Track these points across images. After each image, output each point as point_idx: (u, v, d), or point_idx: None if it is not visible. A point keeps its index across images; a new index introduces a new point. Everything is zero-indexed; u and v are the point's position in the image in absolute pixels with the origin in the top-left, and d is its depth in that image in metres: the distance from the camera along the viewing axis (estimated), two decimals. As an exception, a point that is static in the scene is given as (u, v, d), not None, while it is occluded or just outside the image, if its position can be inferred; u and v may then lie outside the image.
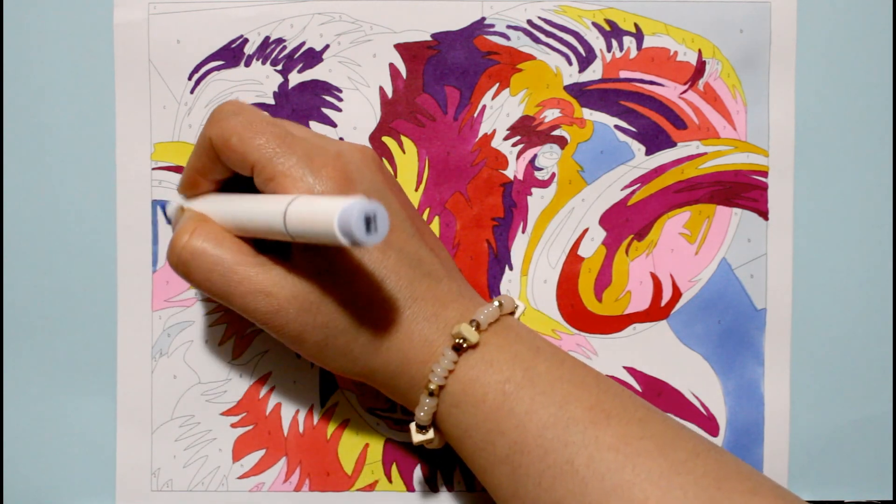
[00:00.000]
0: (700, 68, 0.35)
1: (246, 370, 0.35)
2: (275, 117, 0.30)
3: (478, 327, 0.28)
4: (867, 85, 0.35)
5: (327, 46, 0.34)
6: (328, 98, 0.35)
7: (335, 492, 0.35)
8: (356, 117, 0.35)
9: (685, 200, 0.35)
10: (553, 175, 0.35)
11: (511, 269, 0.35)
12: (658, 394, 0.35)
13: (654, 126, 0.35)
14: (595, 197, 0.35)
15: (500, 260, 0.35)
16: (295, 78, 0.35)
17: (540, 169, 0.35)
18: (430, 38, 0.35)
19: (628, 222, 0.35)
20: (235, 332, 0.35)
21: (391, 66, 0.35)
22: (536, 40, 0.35)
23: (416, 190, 0.35)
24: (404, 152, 0.35)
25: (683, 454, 0.26)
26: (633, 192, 0.35)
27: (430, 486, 0.35)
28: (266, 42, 0.34)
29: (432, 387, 0.28)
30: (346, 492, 0.35)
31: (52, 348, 0.35)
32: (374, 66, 0.35)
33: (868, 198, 0.35)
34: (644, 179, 0.35)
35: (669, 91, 0.35)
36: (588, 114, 0.35)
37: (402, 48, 0.35)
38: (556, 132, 0.35)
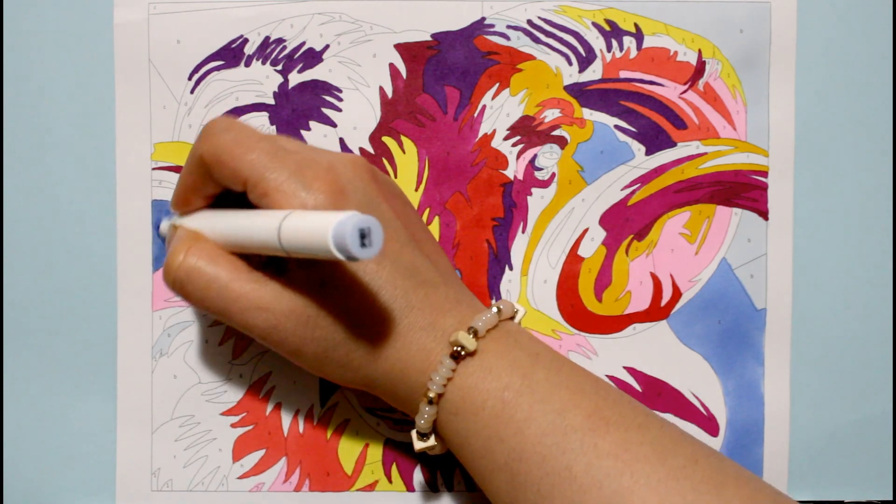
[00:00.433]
0: (700, 68, 0.35)
1: (246, 370, 0.35)
2: (268, 129, 0.30)
3: (476, 335, 0.28)
4: (867, 85, 0.35)
5: (327, 46, 0.34)
6: (328, 98, 0.35)
7: (335, 492, 0.35)
8: (356, 117, 0.35)
9: (685, 200, 0.35)
10: (553, 175, 0.35)
11: (511, 269, 0.35)
12: (658, 394, 0.35)
13: (654, 126, 0.35)
14: (595, 197, 0.35)
15: (500, 260, 0.35)
16: (295, 78, 0.35)
17: (540, 169, 0.35)
18: (430, 38, 0.35)
19: (628, 222, 0.35)
20: (235, 332, 0.35)
21: (391, 66, 0.35)
22: (536, 40, 0.35)
23: (416, 190, 0.35)
24: (404, 152, 0.35)
25: (682, 460, 0.26)
26: (633, 192, 0.35)
27: (431, 487, 0.35)
28: (266, 42, 0.34)
29: (431, 395, 0.28)
30: (346, 492, 0.35)
31: (52, 348, 0.35)
32: (374, 66, 0.35)
33: (868, 198, 0.35)
34: (644, 179, 0.35)
35: (669, 91, 0.35)
36: (588, 114, 0.35)
37: (402, 48, 0.35)
38: (556, 132, 0.35)
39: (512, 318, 0.30)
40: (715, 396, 0.35)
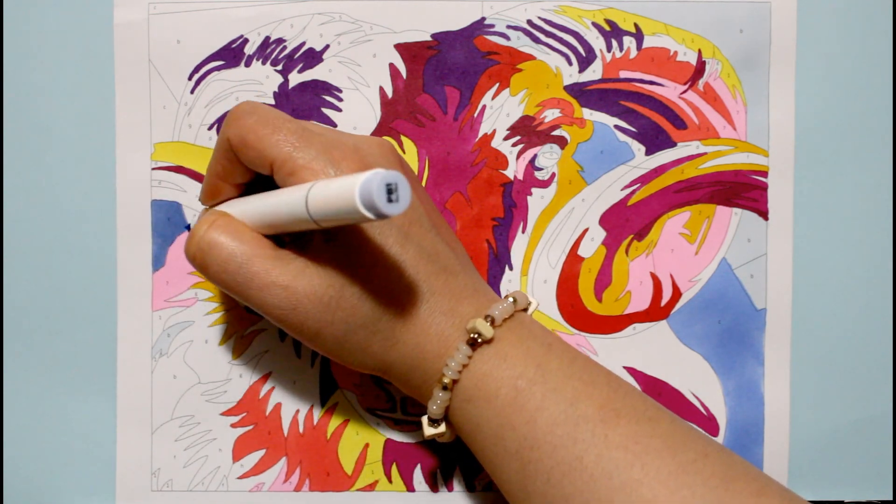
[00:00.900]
0: (700, 68, 0.35)
1: (246, 370, 0.35)
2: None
3: (492, 322, 0.28)
4: (867, 85, 0.35)
5: (327, 46, 0.34)
6: (328, 98, 0.35)
7: (335, 492, 0.35)
8: (356, 117, 0.35)
9: (685, 200, 0.35)
10: (553, 175, 0.35)
11: (511, 269, 0.35)
12: (658, 394, 0.35)
13: (654, 126, 0.35)
14: (595, 197, 0.35)
15: (500, 260, 0.35)
16: (295, 78, 0.35)
17: (540, 169, 0.35)
18: (430, 38, 0.35)
19: (628, 222, 0.35)
20: (235, 331, 0.35)
21: (391, 66, 0.35)
22: (536, 40, 0.35)
23: (416, 190, 0.35)
24: (404, 152, 0.35)
25: (692, 454, 0.26)
26: (633, 192, 0.35)
27: (431, 486, 0.35)
28: (266, 42, 0.34)
29: (446, 381, 0.28)
30: (346, 492, 0.35)
31: (52, 348, 0.35)
32: (374, 66, 0.35)
33: (868, 198, 0.35)
34: (644, 179, 0.35)
35: (669, 91, 0.35)
36: (588, 114, 0.35)
37: (402, 48, 0.35)
38: (556, 132, 0.35)
39: (525, 309, 0.30)
40: (715, 396, 0.35)
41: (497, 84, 0.35)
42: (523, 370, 0.27)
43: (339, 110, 0.35)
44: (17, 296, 0.35)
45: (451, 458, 0.35)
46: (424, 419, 0.29)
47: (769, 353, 0.35)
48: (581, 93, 0.35)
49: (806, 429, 0.35)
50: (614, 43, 0.35)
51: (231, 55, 0.34)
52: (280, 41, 0.34)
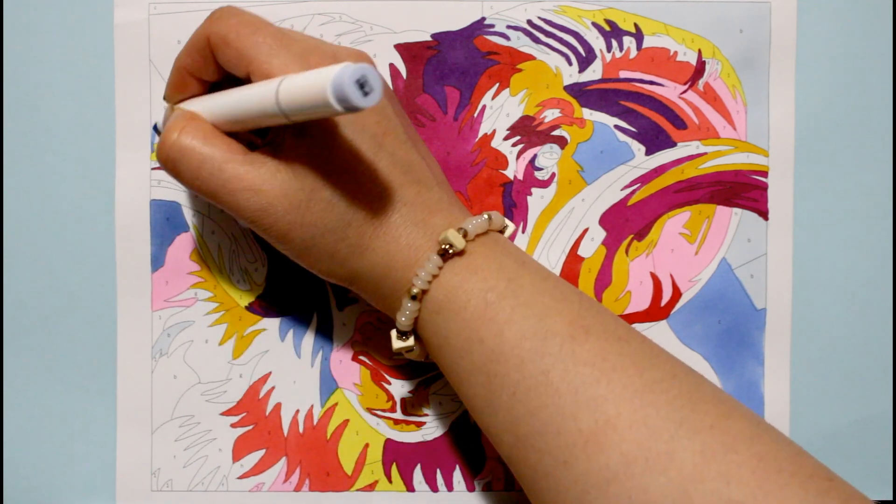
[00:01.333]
0: (700, 68, 0.35)
1: (246, 370, 0.35)
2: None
3: (465, 235, 0.28)
4: (867, 85, 0.35)
5: (327, 46, 0.34)
6: (328, 98, 0.35)
7: (335, 492, 0.35)
8: (356, 117, 0.35)
9: (685, 200, 0.35)
10: (553, 175, 0.35)
11: (511, 269, 0.35)
12: (658, 394, 0.35)
13: (654, 126, 0.35)
14: (595, 197, 0.35)
15: (500, 260, 0.35)
16: (295, 78, 0.34)
17: (540, 169, 0.35)
18: (430, 39, 0.35)
19: (628, 222, 0.35)
20: (235, 332, 0.35)
21: (391, 66, 0.35)
22: (536, 40, 0.35)
23: (416, 190, 0.35)
24: (404, 152, 0.35)
25: (660, 374, 0.26)
26: (633, 192, 0.35)
27: (431, 486, 0.35)
28: (266, 42, 0.34)
29: (415, 291, 0.27)
30: (346, 492, 0.35)
31: (52, 348, 0.35)
32: (374, 66, 0.35)
33: (868, 198, 0.35)
34: (644, 179, 0.35)
35: (669, 91, 0.35)
36: (588, 114, 0.35)
37: (402, 48, 0.35)
38: (556, 132, 0.35)
39: (502, 231, 0.30)
40: (715, 396, 0.35)
41: (497, 84, 0.35)
42: (494, 284, 0.27)
43: (339, 110, 0.35)
44: (17, 296, 0.35)
45: (451, 458, 0.35)
46: (393, 332, 0.29)
47: (769, 353, 0.35)
48: (581, 93, 0.35)
49: (806, 429, 0.35)
50: (614, 43, 0.35)
51: (231, 55, 0.34)
52: (280, 41, 0.34)
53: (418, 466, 0.35)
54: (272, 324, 0.35)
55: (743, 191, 0.35)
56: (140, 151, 0.35)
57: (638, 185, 0.35)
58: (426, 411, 0.35)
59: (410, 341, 0.29)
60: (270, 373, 0.35)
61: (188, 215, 0.35)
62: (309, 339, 0.35)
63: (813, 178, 0.35)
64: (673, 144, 0.35)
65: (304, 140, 0.27)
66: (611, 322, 0.27)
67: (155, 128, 0.34)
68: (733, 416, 0.25)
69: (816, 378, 0.35)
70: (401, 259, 0.28)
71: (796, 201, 0.35)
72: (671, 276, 0.35)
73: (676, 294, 0.35)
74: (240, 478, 0.35)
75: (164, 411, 0.35)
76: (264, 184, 0.27)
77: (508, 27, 0.35)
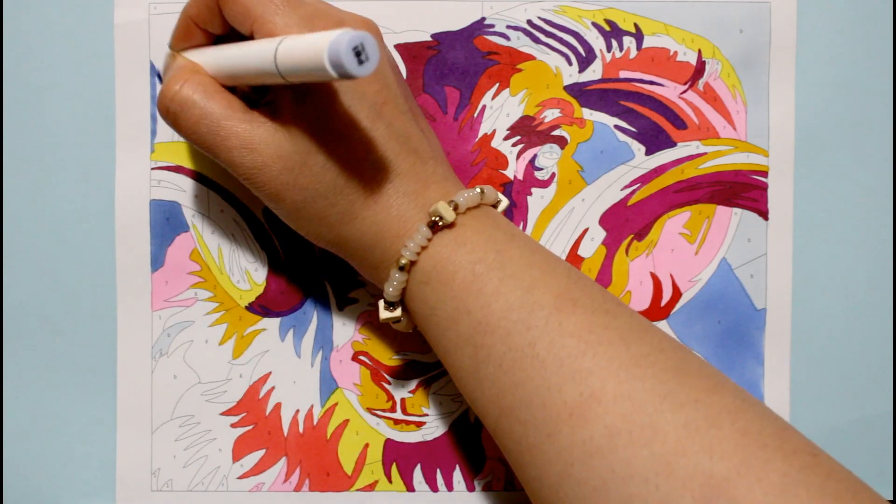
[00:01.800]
0: (700, 68, 0.35)
1: (246, 370, 0.35)
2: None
3: (456, 208, 0.28)
4: (867, 85, 0.35)
5: (327, 46, 0.34)
6: (328, 98, 0.35)
7: (335, 492, 0.35)
8: (356, 117, 0.35)
9: (685, 200, 0.35)
10: (553, 175, 0.35)
11: (511, 269, 0.35)
12: (658, 394, 0.35)
13: (654, 126, 0.35)
14: (595, 197, 0.35)
15: (500, 260, 0.35)
16: (295, 78, 0.34)
17: (540, 169, 0.35)
18: (430, 39, 0.35)
19: (628, 222, 0.35)
20: (235, 331, 0.35)
21: (391, 66, 0.35)
22: (536, 40, 0.35)
23: (416, 190, 0.35)
24: (404, 152, 0.35)
25: (646, 348, 0.25)
26: (633, 192, 0.35)
27: (431, 486, 0.35)
28: (266, 42, 0.34)
29: (403, 262, 0.27)
30: (346, 492, 0.35)
31: (52, 348, 0.35)
32: (374, 66, 0.34)
33: (868, 198, 0.35)
34: (644, 179, 0.35)
35: (669, 91, 0.35)
36: (588, 114, 0.35)
37: (402, 48, 0.34)
38: (556, 132, 0.35)
39: (494, 206, 0.30)
40: (715, 396, 0.35)
41: (497, 84, 0.35)
42: (482, 256, 0.27)
43: (339, 110, 0.35)
44: (17, 296, 0.35)
45: (451, 458, 0.35)
46: (381, 303, 0.29)
47: (769, 353, 0.35)
48: (581, 93, 0.35)
49: (806, 429, 0.35)
50: (614, 43, 0.35)
51: (231, 55, 0.34)
52: (280, 41, 0.34)
53: (418, 466, 0.35)
54: (272, 324, 0.35)
55: (743, 191, 0.35)
56: (140, 151, 0.35)
57: (638, 185, 0.35)
58: (426, 411, 0.35)
59: (398, 312, 0.29)
60: (270, 373, 0.35)
61: (188, 215, 0.35)
62: (309, 339, 0.35)
63: (813, 178, 0.35)
64: (673, 144, 0.35)
65: (302, 104, 0.27)
66: (598, 295, 0.27)
67: (159, 75, 0.34)
68: (719, 391, 0.25)
69: (816, 378, 0.35)
70: (390, 229, 0.28)
71: (796, 201, 0.35)
72: (671, 276, 0.35)
73: (676, 294, 0.35)
74: (240, 478, 0.35)
75: (164, 411, 0.35)
76: (260, 143, 0.27)
77: (508, 27, 0.35)
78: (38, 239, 0.35)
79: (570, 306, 0.26)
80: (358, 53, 0.22)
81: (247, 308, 0.35)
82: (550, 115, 0.35)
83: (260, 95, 0.29)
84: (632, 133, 0.35)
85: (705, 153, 0.35)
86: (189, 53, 0.30)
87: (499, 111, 0.35)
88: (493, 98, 0.35)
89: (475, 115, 0.35)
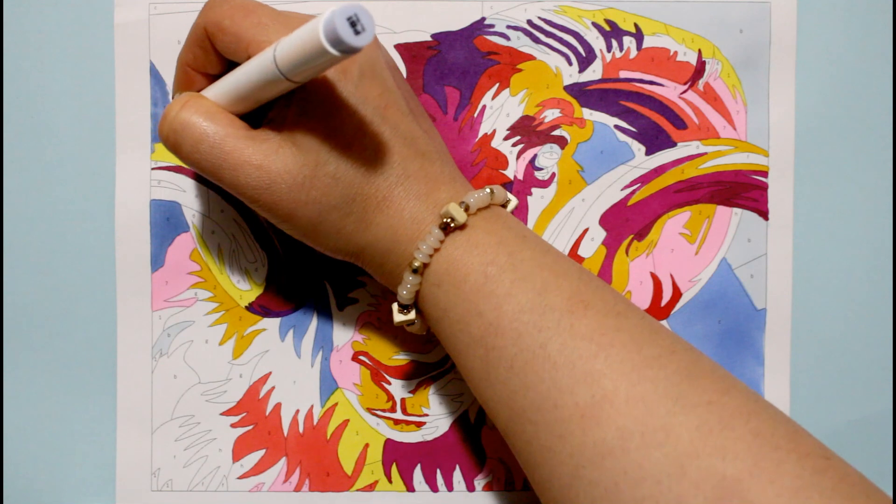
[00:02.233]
0: (700, 68, 0.35)
1: (246, 370, 0.35)
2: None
3: (467, 209, 0.28)
4: (867, 85, 0.35)
5: (327, 46, 0.34)
6: (328, 98, 0.35)
7: (335, 492, 0.35)
8: (356, 117, 0.35)
9: (685, 200, 0.35)
10: (553, 175, 0.35)
11: (511, 269, 0.35)
12: (658, 394, 0.35)
13: (654, 126, 0.35)
14: (595, 197, 0.35)
15: (500, 260, 0.35)
16: (295, 78, 0.34)
17: (540, 169, 0.35)
18: (430, 39, 0.35)
19: (628, 222, 0.35)
20: (235, 331, 0.35)
21: (391, 66, 0.35)
22: (536, 40, 0.35)
23: (416, 190, 0.35)
24: (404, 152, 0.35)
25: (658, 350, 0.25)
26: (633, 192, 0.35)
27: (431, 486, 0.35)
28: (266, 42, 0.34)
29: (416, 264, 0.27)
30: (346, 492, 0.35)
31: (52, 348, 0.35)
32: (374, 66, 0.34)
33: (868, 198, 0.35)
34: (644, 179, 0.35)
35: (669, 91, 0.35)
36: (588, 114, 0.35)
37: (402, 48, 0.34)
38: (556, 132, 0.35)
39: (504, 205, 0.30)
40: (715, 396, 0.35)
41: (497, 84, 0.35)
42: (494, 257, 0.27)
43: (339, 110, 0.35)
44: (17, 296, 0.35)
45: (451, 458, 0.35)
46: (394, 306, 0.29)
47: (769, 353, 0.35)
48: (581, 93, 0.35)
49: (806, 429, 0.35)
50: (614, 43, 0.35)
51: (231, 55, 0.34)
52: (280, 41, 0.34)
53: (418, 466, 0.35)
54: (272, 324, 0.35)
55: (743, 191, 0.35)
56: (140, 151, 0.35)
57: (638, 185, 0.35)
58: (426, 411, 0.35)
59: (412, 315, 0.29)
60: (270, 373, 0.35)
61: (188, 215, 0.35)
62: (309, 339, 0.35)
63: (813, 178, 0.35)
64: (673, 144, 0.35)
65: (306, 115, 0.27)
66: (610, 298, 0.27)
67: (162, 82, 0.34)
68: (731, 393, 0.25)
69: (816, 378, 0.35)
70: (404, 233, 0.28)
71: (796, 201, 0.35)
72: (671, 276, 0.35)
73: (676, 294, 0.35)
74: (240, 478, 0.35)
75: (164, 411, 0.35)
76: (265, 159, 0.27)
77: (508, 27, 0.35)
78: (38, 239, 0.35)
79: (581, 308, 0.26)
80: (353, 24, 0.22)
81: (247, 308, 0.35)
82: (550, 115, 0.35)
83: (263, 116, 0.29)
84: (632, 133, 0.35)
85: (705, 153, 0.35)
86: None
87: (499, 111, 0.35)
88: (493, 98, 0.35)
89: (475, 115, 0.35)
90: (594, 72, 0.35)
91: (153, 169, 0.35)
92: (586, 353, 0.25)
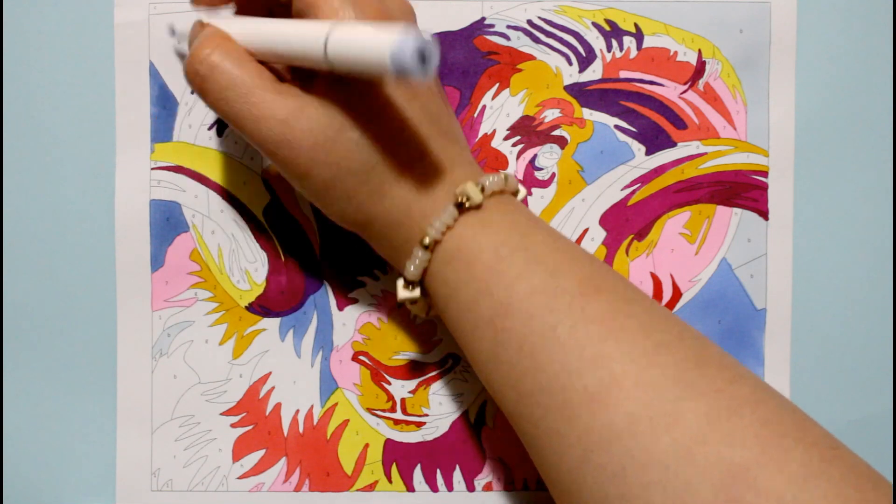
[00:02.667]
0: (700, 68, 0.35)
1: (246, 370, 0.35)
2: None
3: (482, 190, 0.28)
4: (867, 85, 0.35)
5: (327, 46, 0.34)
6: (328, 98, 0.35)
7: (335, 492, 0.35)
8: (356, 117, 0.35)
9: (685, 200, 0.35)
10: (553, 175, 0.35)
11: (511, 269, 0.35)
12: (658, 394, 0.35)
13: (654, 126, 0.35)
14: (595, 197, 0.35)
15: (500, 260, 0.35)
16: (295, 78, 0.34)
17: (540, 169, 0.35)
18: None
19: (628, 222, 0.35)
20: (235, 331, 0.35)
21: (391, 66, 0.34)
22: (536, 40, 0.35)
23: (416, 190, 0.35)
24: (404, 152, 0.35)
25: (668, 336, 0.25)
26: (633, 192, 0.35)
27: (430, 486, 0.35)
28: (266, 42, 0.34)
29: (428, 240, 0.27)
30: (346, 492, 0.35)
31: (52, 348, 0.35)
32: (374, 66, 0.34)
33: (868, 198, 0.35)
34: (644, 179, 0.35)
35: (669, 91, 0.35)
36: (588, 114, 0.35)
37: (402, 48, 0.34)
38: (556, 132, 0.35)
39: (514, 194, 0.30)
40: (715, 396, 0.35)
41: (497, 84, 0.35)
42: (507, 238, 0.27)
43: (339, 110, 0.35)
44: (17, 296, 0.35)
45: (452, 458, 0.35)
46: (399, 282, 0.29)
47: (769, 353, 0.35)
48: (581, 93, 0.35)
49: (806, 429, 0.35)
50: (614, 43, 0.35)
51: (231, 55, 0.34)
52: (280, 41, 0.34)
53: (418, 466, 0.35)
54: (272, 324, 0.35)
55: (743, 191, 0.35)
56: (140, 151, 0.35)
57: (638, 185, 0.35)
58: (426, 411, 0.35)
59: (416, 292, 0.29)
60: (270, 373, 0.35)
61: (188, 215, 0.35)
62: (309, 339, 0.35)
63: (813, 178, 0.35)
64: (673, 144, 0.35)
65: (337, 79, 0.26)
66: (621, 284, 0.27)
67: (171, 29, 0.34)
68: (740, 381, 0.25)
69: (816, 378, 0.35)
70: (417, 208, 0.28)
71: (796, 201, 0.35)
72: (671, 276, 0.35)
73: (676, 294, 0.35)
74: (240, 478, 0.35)
75: (164, 411, 0.35)
76: (290, 116, 0.26)
77: (508, 27, 0.35)
78: (38, 239, 0.35)
79: (593, 292, 0.26)
80: (423, 58, 0.22)
81: (247, 308, 0.35)
82: (550, 115, 0.35)
83: (293, 69, 0.29)
84: (632, 133, 0.35)
85: (705, 153, 0.35)
86: (220, 23, 0.29)
87: (499, 111, 0.35)
88: (493, 98, 0.35)
89: (475, 115, 0.35)
90: (594, 72, 0.35)
91: (153, 169, 0.35)
92: (596, 336, 0.25)
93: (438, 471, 0.35)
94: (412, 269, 0.28)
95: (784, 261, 0.35)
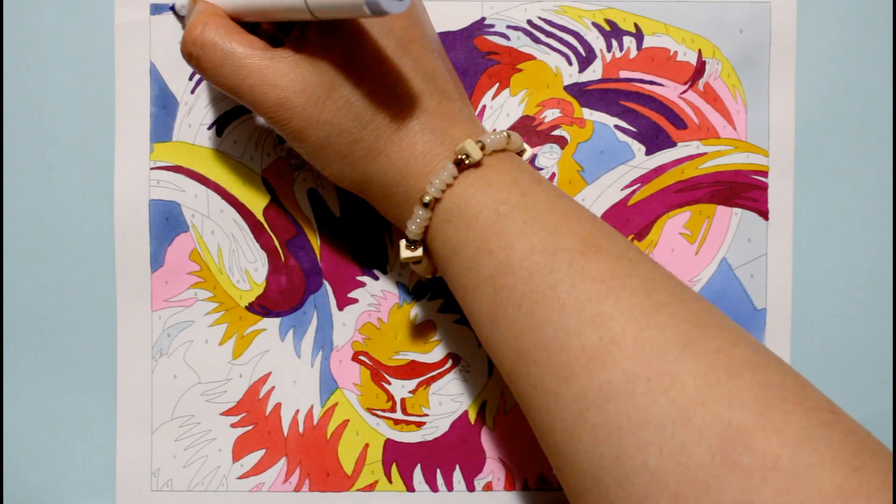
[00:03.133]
0: (700, 68, 0.35)
1: (246, 370, 0.35)
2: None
3: (483, 148, 0.27)
4: (867, 85, 0.35)
5: (327, 46, 0.34)
6: (328, 98, 0.35)
7: (335, 492, 0.35)
8: (356, 117, 0.35)
9: (685, 200, 0.35)
10: (553, 175, 0.35)
11: (511, 269, 0.35)
12: (658, 394, 0.35)
13: (654, 126, 0.35)
14: (595, 197, 0.35)
15: (500, 260, 0.35)
16: (295, 78, 0.34)
17: (540, 169, 0.35)
18: (430, 38, 0.34)
19: (628, 222, 0.35)
20: (235, 331, 0.35)
21: (391, 66, 0.34)
22: (536, 40, 0.35)
23: (416, 190, 0.35)
24: (404, 152, 0.35)
25: (668, 297, 0.25)
26: (633, 192, 0.35)
27: (430, 486, 0.35)
28: (266, 42, 0.34)
29: (427, 199, 0.27)
30: (346, 492, 0.35)
31: (52, 348, 0.35)
32: (374, 66, 0.34)
33: (868, 198, 0.35)
34: (644, 179, 0.35)
35: (669, 91, 0.35)
36: (588, 114, 0.35)
37: (402, 48, 0.34)
38: (556, 132, 0.35)
39: (520, 153, 0.30)
40: (715, 396, 0.35)
41: (497, 84, 0.35)
42: (507, 197, 0.27)
43: (339, 110, 0.35)
44: (17, 296, 0.35)
45: (451, 459, 0.35)
46: (402, 242, 0.29)
47: (769, 353, 0.35)
48: (581, 93, 0.35)
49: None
50: (614, 43, 0.35)
51: (231, 55, 0.34)
52: (280, 41, 0.34)
53: (418, 466, 0.35)
54: (272, 324, 0.35)
55: (743, 191, 0.35)
56: (139, 151, 0.35)
57: (638, 185, 0.35)
58: (426, 411, 0.35)
59: (419, 252, 0.29)
60: (270, 373, 0.35)
61: (188, 215, 0.35)
62: (309, 339, 0.35)
63: (813, 178, 0.35)
64: (673, 144, 0.35)
65: (327, 37, 0.27)
66: (622, 243, 0.27)
67: (172, 8, 0.34)
68: (740, 344, 0.24)
69: (816, 378, 0.35)
70: (415, 166, 0.28)
71: (796, 201, 0.35)
72: (671, 276, 0.35)
73: (676, 294, 0.35)
74: (240, 478, 0.35)
75: (164, 411, 0.35)
76: (282, 78, 0.27)
77: (508, 27, 0.35)
78: (38, 239, 0.35)
79: (593, 252, 0.26)
80: None
81: (247, 308, 0.35)
82: (550, 115, 0.35)
83: (285, 34, 0.29)
84: (632, 133, 0.35)
85: (705, 153, 0.35)
86: None
87: (499, 111, 0.35)
88: (493, 98, 0.35)
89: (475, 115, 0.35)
90: (594, 72, 0.35)
91: (152, 169, 0.35)
92: (596, 295, 0.25)
93: (438, 471, 0.35)
94: (413, 227, 0.28)
95: (784, 261, 0.35)
